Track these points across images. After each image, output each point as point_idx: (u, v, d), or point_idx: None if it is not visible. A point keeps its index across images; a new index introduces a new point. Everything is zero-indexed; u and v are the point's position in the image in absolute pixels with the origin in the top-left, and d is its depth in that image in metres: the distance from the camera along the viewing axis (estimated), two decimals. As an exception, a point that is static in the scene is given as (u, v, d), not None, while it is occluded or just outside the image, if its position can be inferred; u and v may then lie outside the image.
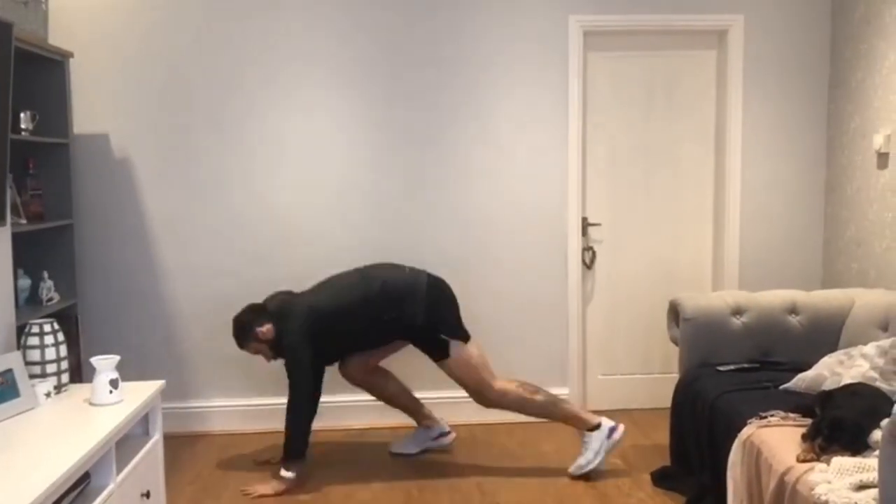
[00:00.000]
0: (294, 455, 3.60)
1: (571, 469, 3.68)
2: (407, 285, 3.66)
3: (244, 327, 3.69)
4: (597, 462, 3.65)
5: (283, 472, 3.58)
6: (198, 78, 4.26)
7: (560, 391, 4.47)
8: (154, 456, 2.96)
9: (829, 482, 2.30)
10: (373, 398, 4.06)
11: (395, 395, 4.00)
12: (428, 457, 3.99)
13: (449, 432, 4.06)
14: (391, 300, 3.63)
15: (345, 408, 4.39)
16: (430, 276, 3.75)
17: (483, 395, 3.68)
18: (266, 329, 3.64)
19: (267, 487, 3.58)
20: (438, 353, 3.67)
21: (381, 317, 3.63)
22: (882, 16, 3.97)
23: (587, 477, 3.66)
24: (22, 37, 3.45)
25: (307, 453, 3.67)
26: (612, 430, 3.67)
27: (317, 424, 4.14)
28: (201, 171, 4.30)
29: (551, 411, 3.69)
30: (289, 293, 3.77)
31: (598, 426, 3.67)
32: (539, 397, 3.68)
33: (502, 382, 3.69)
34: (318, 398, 3.77)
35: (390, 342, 3.84)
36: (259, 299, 4.10)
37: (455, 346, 3.65)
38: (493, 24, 4.33)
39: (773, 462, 2.60)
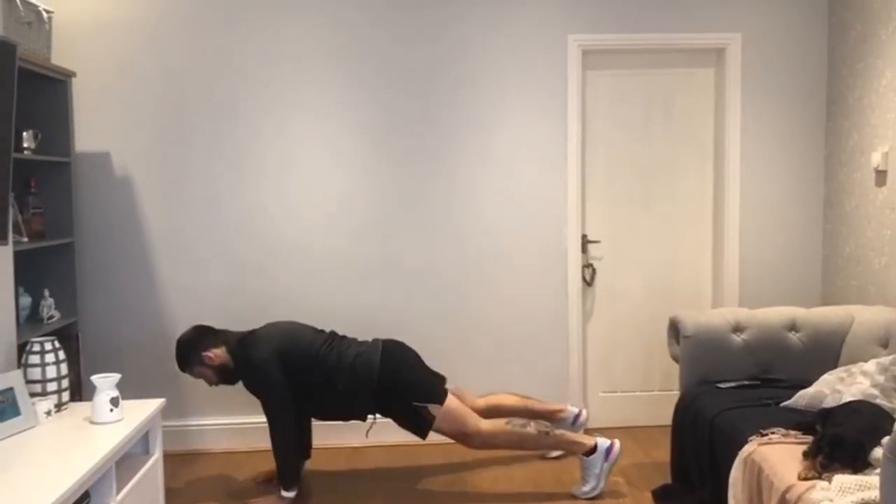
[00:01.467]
0: (289, 478, 3.58)
1: (576, 493, 3.65)
2: (359, 353, 3.63)
3: (191, 348, 3.62)
4: (601, 487, 3.63)
5: (284, 493, 3.57)
6: (198, 97, 4.28)
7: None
8: (154, 474, 2.95)
9: (831, 500, 2.30)
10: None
11: (518, 413, 3.91)
12: (428, 476, 3.97)
13: (579, 413, 4.03)
14: (345, 368, 3.59)
15: (341, 427, 4.38)
16: (385, 343, 3.71)
17: (472, 441, 3.63)
18: (215, 354, 3.60)
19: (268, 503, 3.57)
20: (421, 423, 3.60)
21: (336, 385, 3.59)
22: (878, 34, 4.00)
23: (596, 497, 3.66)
24: (25, 56, 3.47)
25: (302, 473, 3.66)
26: (608, 451, 3.64)
27: (315, 443, 4.13)
28: (202, 189, 4.32)
29: (546, 441, 3.67)
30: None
31: (594, 449, 3.65)
32: (531, 430, 3.64)
33: (489, 424, 3.65)
34: (304, 427, 3.82)
35: (362, 411, 3.71)
36: (259, 315, 4.12)
37: (434, 410, 3.59)
38: (493, 43, 4.36)
39: (774, 480, 2.60)
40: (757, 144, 4.51)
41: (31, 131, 3.74)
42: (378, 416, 3.75)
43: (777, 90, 4.50)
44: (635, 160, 4.57)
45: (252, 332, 3.68)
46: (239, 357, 3.60)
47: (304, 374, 3.59)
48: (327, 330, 3.86)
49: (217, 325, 4.20)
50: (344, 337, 3.79)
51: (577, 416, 4.02)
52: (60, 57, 4.14)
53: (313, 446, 4.03)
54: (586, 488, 3.63)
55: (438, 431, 3.65)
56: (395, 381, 3.61)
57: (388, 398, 3.63)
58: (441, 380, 3.75)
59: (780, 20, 4.46)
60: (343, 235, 4.38)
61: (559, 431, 3.70)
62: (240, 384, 3.69)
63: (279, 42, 4.29)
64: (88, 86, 4.23)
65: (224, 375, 3.65)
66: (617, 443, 3.67)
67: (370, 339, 3.78)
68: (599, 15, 4.38)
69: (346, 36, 4.31)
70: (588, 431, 4.51)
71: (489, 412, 3.83)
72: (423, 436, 3.66)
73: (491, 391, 4.44)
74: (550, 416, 3.96)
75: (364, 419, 3.74)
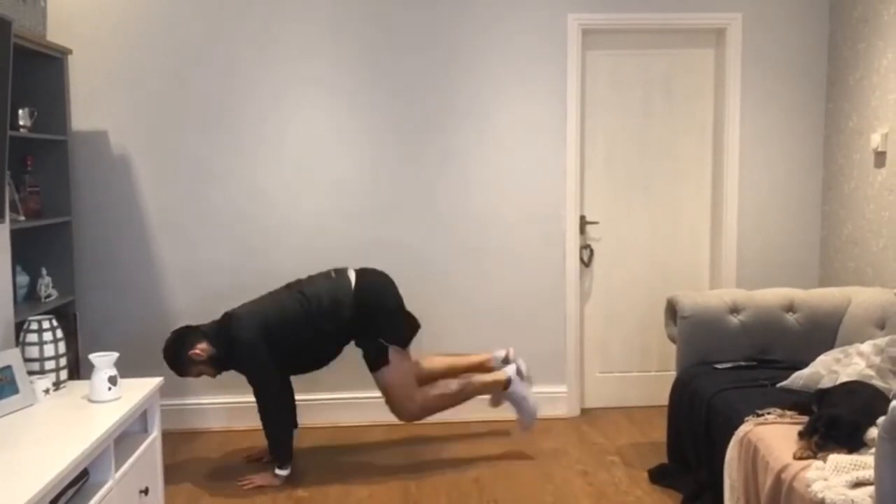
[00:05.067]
0: (283, 457, 3.62)
1: (524, 426, 3.91)
2: (331, 293, 3.63)
3: (178, 353, 3.62)
4: (533, 405, 3.86)
5: (278, 471, 3.62)
6: (196, 75, 4.26)
7: (558, 389, 4.50)
8: (152, 453, 2.96)
9: (826, 479, 2.31)
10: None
11: (452, 375, 3.89)
12: (425, 454, 3.99)
13: (506, 354, 3.96)
14: (326, 312, 3.61)
15: (338, 405, 4.40)
16: (358, 275, 3.70)
17: (408, 409, 3.68)
18: (201, 349, 3.59)
19: (263, 480, 3.61)
20: (378, 359, 3.64)
21: (323, 328, 3.62)
22: (880, 15, 3.97)
23: (583, 470, 3.70)
24: (21, 33, 3.45)
25: (297, 452, 3.69)
26: (518, 372, 3.85)
27: (312, 421, 4.15)
28: (199, 167, 4.30)
29: (469, 391, 3.75)
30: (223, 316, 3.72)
31: (510, 381, 3.78)
32: (453, 386, 3.71)
33: (422, 392, 3.69)
34: (291, 400, 3.81)
35: (341, 348, 3.77)
36: (256, 293, 4.10)
37: (394, 353, 3.63)
38: (492, 21, 4.33)
39: (769, 459, 2.61)
40: (756, 126, 4.49)
41: (27, 109, 3.71)
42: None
43: (777, 71, 4.48)
44: (634, 141, 4.56)
45: (227, 317, 3.65)
46: (222, 344, 3.60)
47: (294, 338, 3.60)
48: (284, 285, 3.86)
49: (215, 304, 4.22)
50: (304, 280, 3.75)
51: (505, 357, 3.94)
52: (56, 34, 4.11)
53: (309, 425, 4.05)
54: (527, 419, 3.87)
55: (385, 388, 3.66)
56: (370, 307, 3.64)
57: (360, 323, 3.64)
58: (412, 323, 3.76)
59: (782, 0, 4.43)
60: (341, 215, 4.37)
61: (476, 379, 3.77)
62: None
63: (279, 22, 4.25)
64: (85, 63, 4.20)
65: (219, 365, 3.67)
66: (521, 360, 3.90)
67: (337, 269, 3.77)
68: (599, -6, 4.36)
69: (346, 23, 4.27)
70: (586, 412, 4.55)
71: (423, 381, 3.84)
72: (374, 370, 3.66)
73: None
74: (480, 368, 3.95)
75: (336, 354, 3.77)
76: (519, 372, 3.87)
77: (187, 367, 3.64)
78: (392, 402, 3.69)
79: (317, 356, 3.74)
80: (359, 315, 3.63)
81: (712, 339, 3.62)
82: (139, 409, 2.80)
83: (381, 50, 4.31)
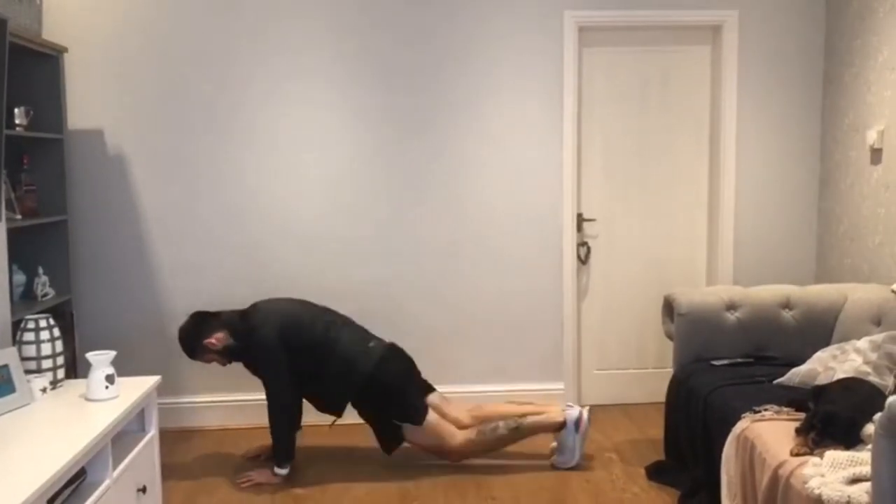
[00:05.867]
0: (284, 457, 3.63)
1: (554, 463, 3.71)
2: (352, 354, 3.61)
3: (194, 338, 3.63)
4: (577, 457, 3.68)
5: (277, 470, 3.62)
6: (192, 74, 4.25)
7: (555, 386, 4.50)
8: (150, 451, 2.96)
9: (823, 476, 2.32)
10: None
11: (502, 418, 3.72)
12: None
13: (580, 417, 3.72)
14: (335, 365, 3.60)
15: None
16: (386, 350, 3.69)
17: (449, 457, 3.68)
18: (217, 338, 3.61)
19: (262, 477, 3.62)
20: (392, 440, 3.69)
21: (327, 373, 3.61)
22: (875, 12, 3.98)
23: (577, 468, 3.71)
24: (16, 32, 3.44)
25: (296, 450, 3.71)
26: (577, 424, 3.67)
27: (311, 419, 4.14)
28: (195, 166, 4.30)
29: (520, 436, 3.68)
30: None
31: (563, 424, 3.67)
32: (501, 431, 3.64)
33: (462, 439, 3.64)
34: (299, 403, 3.78)
35: (338, 406, 3.72)
36: (254, 292, 4.10)
37: (408, 431, 3.64)
38: (489, 18, 4.33)
39: (766, 456, 2.62)
40: (753, 123, 4.50)
41: (22, 108, 3.71)
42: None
43: (773, 68, 4.48)
44: (631, 138, 4.56)
45: (254, 309, 3.67)
46: (242, 337, 3.61)
47: (301, 356, 3.60)
48: (322, 305, 3.86)
49: (212, 303, 4.21)
50: (346, 324, 3.76)
51: (578, 421, 3.71)
52: (51, 32, 4.10)
53: (309, 423, 4.04)
54: (562, 459, 3.71)
55: (412, 444, 3.69)
56: (383, 391, 3.63)
57: (370, 403, 3.67)
58: (426, 392, 3.73)
59: (778, -3, 4.44)
60: (340, 214, 4.37)
61: (528, 420, 3.68)
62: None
63: (275, 20, 4.25)
64: (80, 62, 4.19)
65: (232, 355, 3.68)
66: (585, 413, 3.70)
67: (372, 338, 3.74)
68: (596, -9, 4.35)
69: (343, 19, 4.27)
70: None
71: (477, 423, 3.74)
72: (389, 452, 3.73)
73: (485, 371, 4.47)
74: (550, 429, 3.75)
75: (339, 415, 3.76)
76: (579, 421, 3.67)
77: (200, 353, 3.67)
78: (430, 453, 3.71)
79: (320, 392, 3.72)
80: (371, 391, 3.62)
81: (709, 336, 3.63)
82: (136, 408, 2.80)
83: (376, 46, 4.30)
